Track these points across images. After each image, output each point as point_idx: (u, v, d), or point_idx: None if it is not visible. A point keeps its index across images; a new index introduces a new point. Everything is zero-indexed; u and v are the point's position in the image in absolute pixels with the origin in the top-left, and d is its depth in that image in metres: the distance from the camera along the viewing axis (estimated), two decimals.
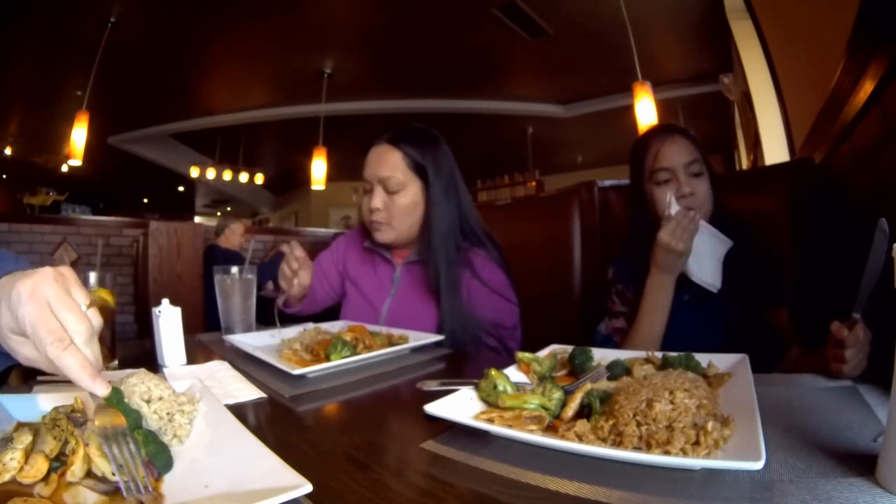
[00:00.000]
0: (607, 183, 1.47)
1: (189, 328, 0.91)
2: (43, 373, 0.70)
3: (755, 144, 2.97)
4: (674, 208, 1.01)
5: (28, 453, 0.40)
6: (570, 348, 0.76)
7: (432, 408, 0.54)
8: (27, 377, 0.71)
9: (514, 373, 0.69)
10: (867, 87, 0.91)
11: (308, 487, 0.37)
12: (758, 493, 0.38)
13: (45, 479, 0.39)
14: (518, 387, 0.60)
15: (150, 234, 2.63)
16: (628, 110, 3.76)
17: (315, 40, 4.58)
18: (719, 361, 0.66)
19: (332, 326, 1.09)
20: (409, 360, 0.90)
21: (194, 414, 0.51)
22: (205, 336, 1.15)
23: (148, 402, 0.49)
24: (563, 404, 0.55)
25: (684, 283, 0.99)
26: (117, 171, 7.80)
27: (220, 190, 9.45)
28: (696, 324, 0.98)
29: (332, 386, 0.74)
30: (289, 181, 9.08)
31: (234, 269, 1.11)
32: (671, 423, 0.46)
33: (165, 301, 0.89)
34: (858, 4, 0.95)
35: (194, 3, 3.88)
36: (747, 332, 0.91)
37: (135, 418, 0.46)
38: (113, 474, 0.39)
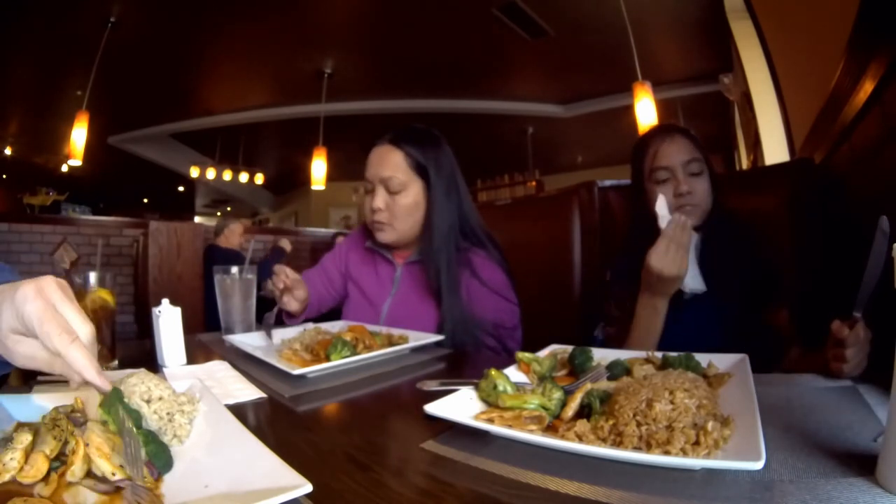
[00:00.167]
0: (607, 183, 1.47)
1: (189, 328, 0.91)
2: (43, 373, 0.70)
3: (755, 144, 2.97)
4: (664, 221, 0.95)
5: (28, 453, 0.40)
6: (570, 348, 0.76)
7: (432, 408, 0.54)
8: (27, 377, 0.71)
9: (514, 373, 0.69)
10: (867, 87, 0.91)
11: (308, 487, 0.37)
12: (758, 493, 0.38)
13: (45, 479, 0.39)
14: (518, 387, 0.60)
15: (150, 234, 2.63)
16: (628, 110, 3.76)
17: (315, 40, 4.58)
18: (719, 361, 0.66)
19: (332, 326, 1.09)
20: (409, 360, 0.90)
21: (194, 414, 0.51)
22: (205, 336, 1.15)
23: (148, 402, 0.49)
24: (563, 404, 0.55)
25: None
26: (117, 171, 7.80)
27: (220, 190, 9.45)
28: (696, 324, 0.98)
29: (332, 386, 0.74)
30: (289, 181, 9.08)
31: (234, 269, 1.11)
32: (671, 423, 0.46)
33: (165, 301, 0.89)
34: (858, 4, 0.95)
35: (194, 3, 3.88)
36: (747, 332, 0.90)
37: (135, 418, 0.46)
38: (113, 474, 0.39)
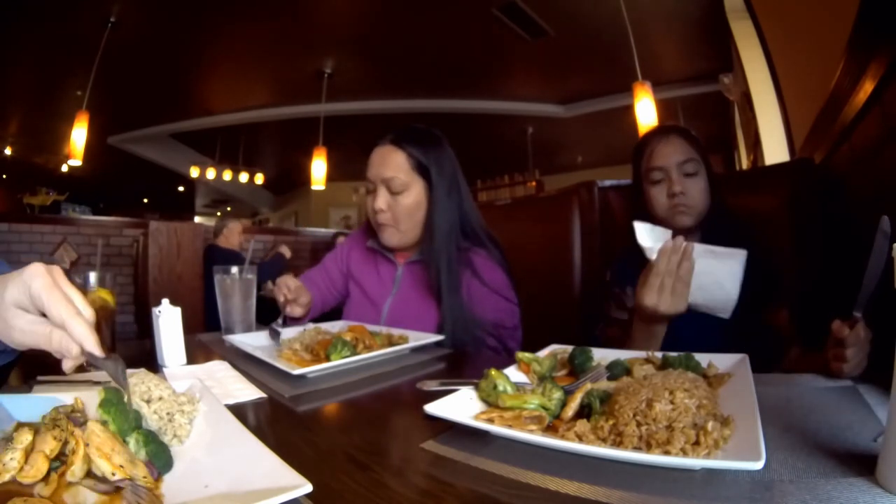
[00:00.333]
0: (607, 183, 1.47)
1: (189, 328, 0.91)
2: (43, 372, 0.70)
3: (755, 144, 2.97)
4: (652, 253, 0.84)
5: (28, 453, 0.40)
6: (570, 348, 0.76)
7: (432, 408, 0.54)
8: (27, 377, 0.71)
9: (514, 373, 0.69)
10: (867, 87, 0.91)
11: (308, 487, 0.37)
12: (758, 493, 0.38)
13: (45, 479, 0.39)
14: (518, 387, 0.60)
15: (150, 234, 2.63)
16: (628, 110, 3.76)
17: (315, 40, 4.58)
18: (719, 361, 0.66)
19: (332, 326, 1.10)
20: (409, 360, 0.90)
21: (194, 414, 0.51)
22: (205, 336, 1.15)
23: (148, 402, 0.49)
24: (563, 404, 0.55)
25: None
26: (117, 171, 7.80)
27: (220, 190, 9.45)
28: (697, 323, 0.98)
29: (332, 386, 0.74)
30: (289, 181, 9.08)
31: (234, 269, 1.11)
32: (671, 423, 0.46)
33: (165, 301, 0.89)
34: (858, 4, 0.95)
35: (194, 3, 3.88)
36: (747, 332, 0.90)
37: (135, 418, 0.46)
38: (113, 474, 0.39)
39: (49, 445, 0.41)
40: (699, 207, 1.04)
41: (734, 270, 0.84)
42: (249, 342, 0.96)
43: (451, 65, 4.99)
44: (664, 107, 3.90)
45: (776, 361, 0.86)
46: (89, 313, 0.47)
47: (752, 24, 2.41)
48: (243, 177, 7.71)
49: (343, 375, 0.78)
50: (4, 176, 8.05)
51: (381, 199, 1.15)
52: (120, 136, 6.62)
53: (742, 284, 0.88)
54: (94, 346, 0.45)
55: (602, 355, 0.74)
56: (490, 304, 1.13)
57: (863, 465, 0.40)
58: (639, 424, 0.47)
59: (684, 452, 0.42)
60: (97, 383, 0.58)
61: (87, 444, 0.41)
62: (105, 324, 0.84)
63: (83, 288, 0.83)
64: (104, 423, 0.44)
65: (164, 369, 0.83)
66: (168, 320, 0.86)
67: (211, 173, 7.31)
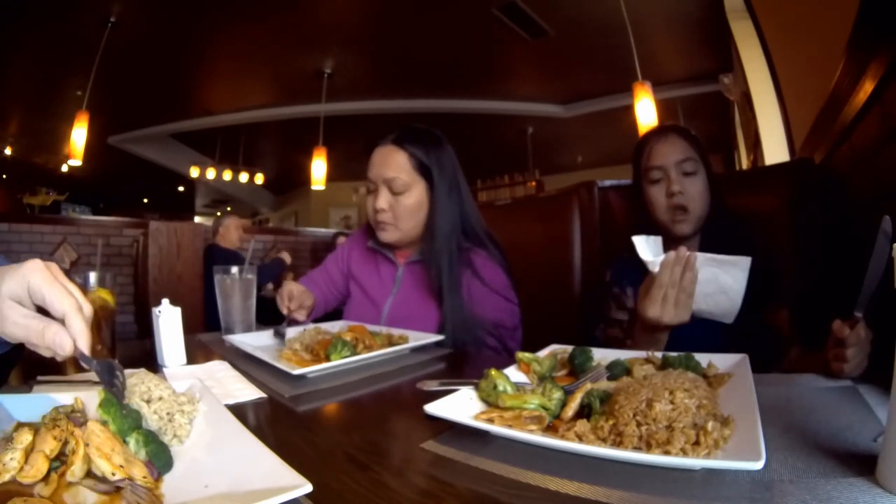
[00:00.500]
0: (607, 183, 1.47)
1: (189, 328, 0.91)
2: (43, 372, 0.70)
3: (755, 144, 2.97)
4: (654, 266, 0.84)
5: (28, 453, 0.40)
6: (570, 348, 0.76)
7: (432, 408, 0.54)
8: (27, 377, 0.71)
9: (514, 373, 0.69)
10: (867, 87, 0.91)
11: (308, 487, 0.37)
12: (758, 493, 0.38)
13: (45, 479, 0.39)
14: (518, 387, 0.60)
15: (150, 234, 2.63)
16: (628, 110, 3.76)
17: (315, 40, 4.58)
18: (719, 361, 0.66)
19: (332, 326, 1.10)
20: (409, 360, 0.90)
21: (194, 414, 0.51)
22: (205, 336, 1.15)
23: (148, 402, 0.49)
24: (563, 404, 0.55)
25: None
26: (117, 171, 7.80)
27: (220, 190, 9.45)
28: (696, 323, 0.98)
29: (332, 386, 0.74)
30: (289, 181, 9.08)
31: (234, 269, 1.11)
32: (671, 423, 0.46)
33: (165, 301, 0.89)
34: (858, 4, 0.95)
35: (194, 3, 3.88)
36: (747, 332, 0.90)
37: (135, 418, 0.46)
38: (113, 474, 0.39)
39: (49, 445, 0.41)
40: (698, 209, 1.04)
41: (738, 278, 0.83)
42: (249, 342, 0.96)
43: (451, 65, 4.99)
44: (664, 107, 3.90)
45: (776, 361, 0.86)
46: (89, 310, 0.48)
47: (752, 24, 2.41)
48: (243, 177, 7.72)
49: (343, 375, 0.78)
50: (4, 176, 8.06)
51: (383, 199, 1.15)
52: (120, 136, 6.62)
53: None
54: (86, 345, 0.46)
55: (602, 355, 0.74)
56: (490, 304, 1.13)
57: (863, 465, 0.40)
58: (639, 424, 0.47)
59: (684, 452, 0.42)
60: (97, 383, 0.58)
61: (87, 444, 0.41)
62: (105, 324, 0.84)
63: (83, 288, 0.83)
64: (104, 423, 0.44)
65: (164, 369, 0.83)
66: (168, 320, 0.86)
67: (211, 173, 7.31)
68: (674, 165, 1.04)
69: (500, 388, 0.57)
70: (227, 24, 4.23)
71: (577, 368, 0.71)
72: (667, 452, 0.43)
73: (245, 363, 0.85)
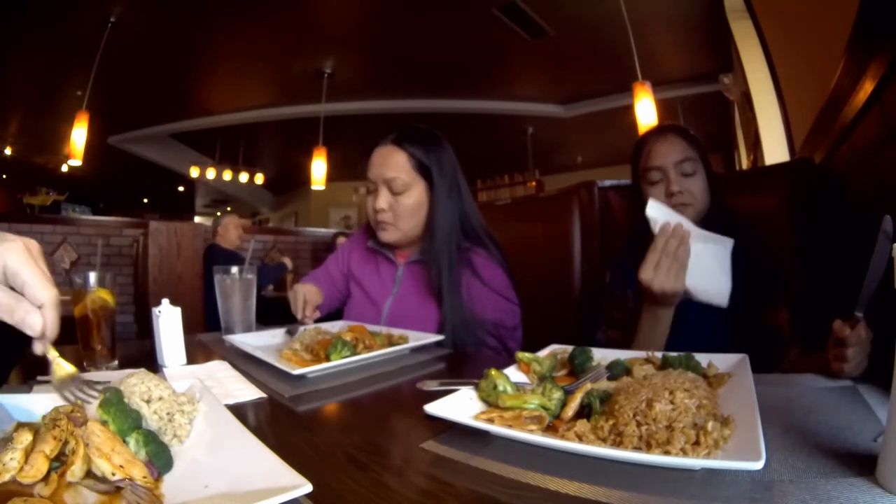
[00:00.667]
0: (607, 183, 1.47)
1: (189, 328, 0.91)
2: (43, 372, 0.70)
3: (755, 144, 2.97)
4: (657, 225, 0.87)
5: (28, 453, 0.40)
6: (570, 348, 0.76)
7: (432, 408, 0.54)
8: (27, 377, 0.71)
9: (514, 373, 0.69)
10: (867, 87, 0.91)
11: (308, 487, 0.37)
12: (758, 493, 0.38)
13: (45, 479, 0.39)
14: (518, 387, 0.60)
15: (150, 234, 2.63)
16: (628, 110, 3.76)
17: (315, 40, 4.58)
18: (719, 361, 0.66)
19: (332, 326, 1.10)
20: (409, 360, 0.90)
21: (194, 414, 0.51)
22: (205, 336, 1.15)
23: (148, 402, 0.49)
24: (563, 404, 0.55)
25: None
26: (117, 171, 7.80)
27: (220, 190, 9.45)
28: (696, 323, 0.98)
29: (332, 386, 0.74)
30: (289, 181, 9.08)
31: (234, 269, 1.11)
32: (671, 423, 0.46)
33: (165, 301, 0.89)
34: (858, 4, 0.95)
35: (194, 3, 3.88)
36: (747, 332, 0.90)
37: (135, 418, 0.46)
38: (113, 474, 0.39)
39: (49, 445, 0.41)
40: (697, 207, 1.03)
41: (719, 254, 0.88)
42: (249, 342, 0.96)
43: (451, 65, 4.99)
44: (664, 107, 3.90)
45: (776, 361, 0.86)
46: (57, 296, 0.48)
47: (752, 24, 2.41)
48: (243, 177, 7.72)
49: (343, 375, 0.78)
50: (4, 176, 8.06)
51: (383, 199, 1.15)
52: (120, 136, 6.63)
53: (740, 281, 0.90)
54: (53, 334, 0.48)
55: (602, 355, 0.74)
56: (490, 303, 1.13)
57: (863, 465, 0.40)
58: (639, 424, 0.47)
59: (684, 452, 0.42)
60: (97, 383, 0.58)
61: (87, 444, 0.41)
62: (105, 324, 0.84)
63: (83, 288, 0.83)
64: (104, 423, 0.44)
65: (164, 369, 0.83)
66: (168, 320, 0.86)
67: (211, 173, 7.32)
68: (673, 166, 1.04)
69: (500, 388, 0.57)
70: (227, 24, 4.23)
71: (577, 368, 0.71)
72: (667, 452, 0.43)
73: (245, 363, 0.85)
